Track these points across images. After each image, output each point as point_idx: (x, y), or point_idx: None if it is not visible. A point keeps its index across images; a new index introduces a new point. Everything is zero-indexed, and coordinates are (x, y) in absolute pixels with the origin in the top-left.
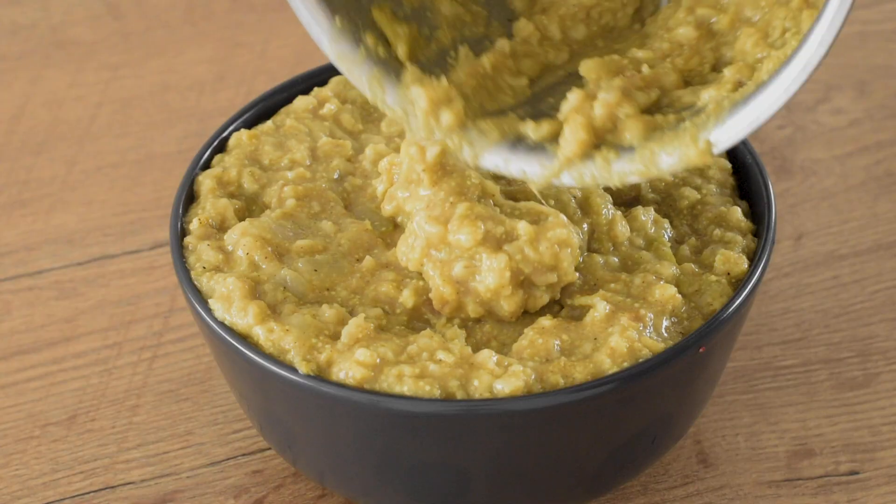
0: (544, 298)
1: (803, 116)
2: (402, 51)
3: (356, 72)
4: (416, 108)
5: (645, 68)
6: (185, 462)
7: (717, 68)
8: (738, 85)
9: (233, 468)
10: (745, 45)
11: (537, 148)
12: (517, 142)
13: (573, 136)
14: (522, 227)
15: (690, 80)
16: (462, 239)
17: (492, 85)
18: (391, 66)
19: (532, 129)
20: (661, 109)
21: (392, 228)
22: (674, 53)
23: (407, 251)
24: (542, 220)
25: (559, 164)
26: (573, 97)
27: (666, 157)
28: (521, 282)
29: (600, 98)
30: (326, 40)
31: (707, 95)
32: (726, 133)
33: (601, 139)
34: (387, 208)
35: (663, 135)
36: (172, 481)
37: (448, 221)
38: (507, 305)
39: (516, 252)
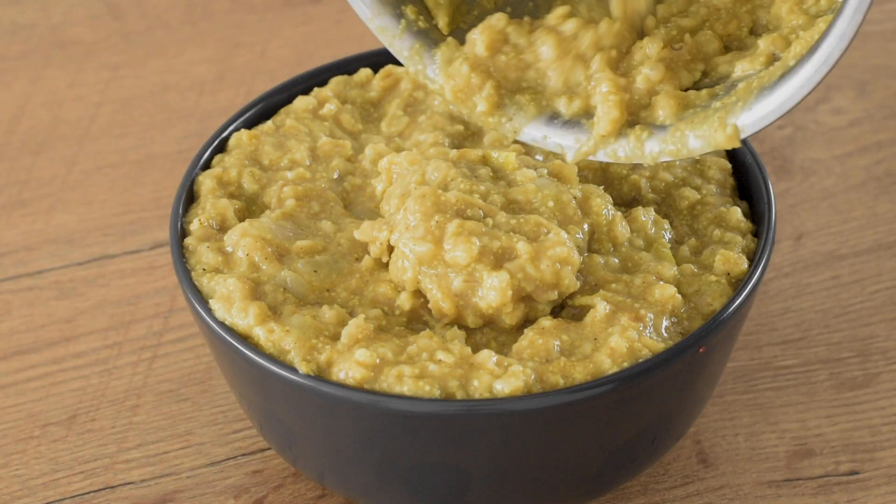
0: (546, 310)
1: (803, 116)
2: (442, 21)
3: (397, 45)
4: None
5: (687, 37)
6: (185, 462)
7: (754, 31)
8: (772, 58)
9: (233, 468)
10: (780, 10)
11: (572, 122)
12: (554, 116)
13: (606, 115)
14: (522, 246)
15: (729, 45)
16: (458, 256)
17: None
18: (431, 38)
19: (564, 105)
20: (696, 82)
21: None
22: (712, 18)
23: (399, 273)
24: (540, 236)
25: (594, 142)
26: (605, 85)
27: (694, 141)
28: (523, 297)
29: (644, 74)
30: (368, 13)
31: (740, 68)
32: (753, 118)
33: (635, 116)
34: (385, 208)
35: (694, 115)
36: (172, 481)
37: (436, 239)
38: (509, 320)
39: (518, 270)
